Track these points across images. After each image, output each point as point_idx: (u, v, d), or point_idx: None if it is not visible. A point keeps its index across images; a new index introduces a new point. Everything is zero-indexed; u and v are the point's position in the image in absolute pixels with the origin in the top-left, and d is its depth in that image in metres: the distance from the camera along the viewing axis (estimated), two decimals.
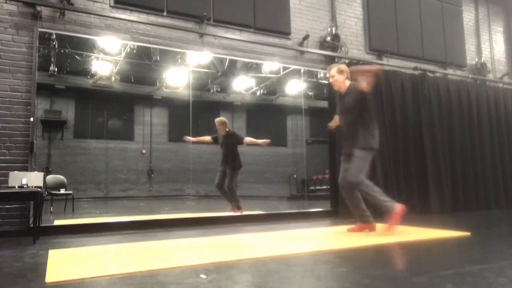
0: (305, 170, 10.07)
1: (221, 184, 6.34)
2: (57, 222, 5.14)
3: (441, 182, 6.97)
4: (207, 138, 6.69)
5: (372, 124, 4.17)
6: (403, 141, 6.88)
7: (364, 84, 3.91)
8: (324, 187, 9.65)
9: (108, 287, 2.21)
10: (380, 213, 4.21)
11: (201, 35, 5.83)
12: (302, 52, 6.62)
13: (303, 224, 5.33)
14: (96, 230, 4.68)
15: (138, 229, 4.93)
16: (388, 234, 3.92)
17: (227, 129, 6.48)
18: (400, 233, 3.96)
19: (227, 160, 6.38)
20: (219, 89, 11.05)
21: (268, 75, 9.16)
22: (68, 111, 10.96)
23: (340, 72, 4.25)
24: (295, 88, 9.37)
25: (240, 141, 6.46)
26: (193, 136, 6.90)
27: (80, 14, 5.08)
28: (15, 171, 4.27)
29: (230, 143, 6.41)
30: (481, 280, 2.19)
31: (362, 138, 4.12)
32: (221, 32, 5.99)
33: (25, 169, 4.46)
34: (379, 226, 4.23)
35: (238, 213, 6.05)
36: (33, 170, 4.53)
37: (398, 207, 3.97)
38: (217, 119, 6.54)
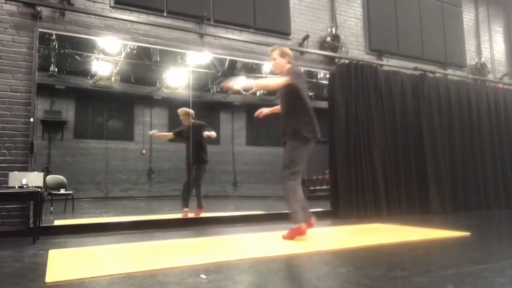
0: (305, 170, 10.07)
1: (190, 183, 6.00)
2: (57, 222, 5.14)
3: (441, 182, 6.97)
4: (169, 135, 6.38)
5: (304, 113, 3.86)
6: (403, 141, 6.88)
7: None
8: (324, 187, 9.65)
9: (108, 287, 2.21)
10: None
11: (201, 35, 5.83)
12: (302, 53, 6.62)
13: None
14: (96, 230, 4.68)
15: (138, 229, 4.93)
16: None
17: (192, 120, 6.09)
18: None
19: (193, 154, 5.97)
20: (219, 89, 11.04)
21: (268, 76, 9.15)
22: (68, 112, 10.96)
23: (283, 55, 4.02)
24: None
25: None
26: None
27: (80, 14, 5.08)
28: (15, 171, 4.27)
29: (196, 135, 6.00)
30: (482, 280, 2.19)
31: (293, 127, 3.85)
32: (221, 32, 5.99)
33: (25, 169, 4.46)
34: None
35: (199, 214, 5.68)
36: (33, 170, 4.53)
37: (303, 227, 3.69)
38: (180, 110, 6.16)
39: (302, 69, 6.78)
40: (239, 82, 3.81)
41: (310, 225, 3.90)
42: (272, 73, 8.74)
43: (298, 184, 3.80)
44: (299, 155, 3.81)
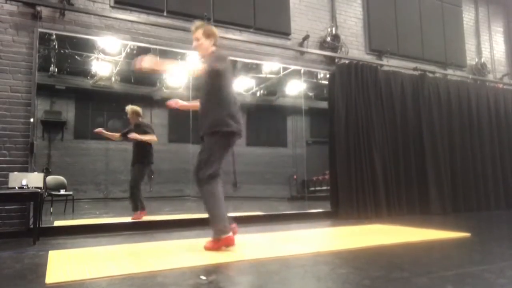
0: (305, 171, 10.06)
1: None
2: (57, 223, 5.13)
3: (441, 182, 6.97)
4: (116, 135, 5.94)
5: (225, 103, 3.34)
6: (403, 141, 6.88)
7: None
8: (324, 188, 9.64)
9: None
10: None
11: None
12: (302, 53, 6.62)
13: (303, 225, 5.32)
14: (96, 231, 4.67)
15: (138, 230, 4.93)
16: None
17: (140, 119, 5.86)
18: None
19: (133, 154, 5.77)
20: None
21: (268, 76, 9.15)
22: (68, 112, 10.94)
23: (208, 35, 3.44)
24: (295, 89, 9.35)
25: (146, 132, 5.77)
26: None
27: (80, 14, 5.08)
28: (15, 172, 4.27)
29: (141, 135, 5.70)
30: (482, 281, 2.18)
31: (211, 120, 3.31)
32: (221, 32, 5.97)
33: (25, 170, 4.46)
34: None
35: (140, 217, 5.43)
36: (33, 171, 4.53)
37: (230, 238, 3.18)
38: (128, 107, 5.86)
39: (302, 69, 6.81)
40: (147, 61, 3.16)
41: (234, 232, 3.33)
42: (272, 73, 8.73)
43: (217, 186, 3.26)
44: (218, 153, 3.29)
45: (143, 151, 5.72)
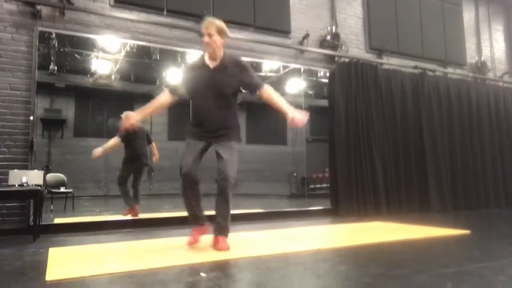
0: (305, 169, 10.06)
1: (126, 181, 5.94)
2: (57, 221, 5.13)
3: (441, 180, 6.98)
4: (114, 141, 5.91)
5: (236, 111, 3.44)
6: (403, 139, 6.89)
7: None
8: (324, 185, 9.65)
9: (109, 285, 2.21)
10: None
11: (201, 34, 5.81)
12: (302, 51, 6.61)
13: (303, 222, 5.33)
14: (96, 228, 4.68)
15: (138, 227, 4.93)
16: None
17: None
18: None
19: (138, 156, 5.92)
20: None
21: (268, 74, 9.15)
22: (68, 110, 10.93)
23: (221, 33, 3.24)
24: (295, 87, 9.35)
25: (149, 140, 6.16)
26: None
27: (80, 13, 5.07)
28: (15, 170, 4.27)
29: (142, 138, 5.99)
30: (481, 278, 2.19)
31: (235, 129, 3.35)
32: None
33: (25, 167, 4.47)
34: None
35: (134, 215, 5.53)
36: (33, 168, 4.53)
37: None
38: (127, 113, 5.91)
39: (302, 67, 6.80)
40: (130, 117, 3.29)
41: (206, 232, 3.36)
42: (272, 71, 8.71)
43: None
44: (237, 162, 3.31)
45: (149, 153, 6.03)
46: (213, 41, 3.20)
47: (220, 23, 3.26)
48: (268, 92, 3.37)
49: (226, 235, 3.20)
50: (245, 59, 6.37)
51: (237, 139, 3.39)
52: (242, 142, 3.51)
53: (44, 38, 5.48)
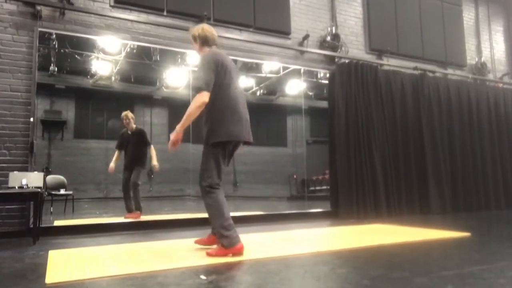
0: (305, 171, 10.06)
1: (127, 187, 5.87)
2: (57, 223, 5.13)
3: (441, 182, 6.97)
4: (116, 154, 6.02)
5: (214, 111, 3.10)
6: (403, 140, 6.88)
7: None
8: (324, 187, 9.64)
9: None
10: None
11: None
12: (302, 52, 6.61)
13: (303, 224, 5.33)
14: (96, 231, 4.68)
15: (138, 229, 4.93)
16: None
17: (134, 125, 6.00)
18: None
19: (134, 160, 5.86)
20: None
21: (268, 75, 9.15)
22: (68, 111, 10.94)
23: (194, 39, 3.39)
24: (295, 88, 9.36)
25: (148, 143, 6.01)
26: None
27: (80, 13, 5.08)
28: (15, 172, 4.26)
29: (139, 140, 5.92)
30: (482, 280, 2.18)
31: (206, 129, 3.15)
32: (221, 31, 5.98)
33: (25, 169, 4.46)
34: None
35: (136, 217, 5.56)
36: (33, 170, 4.53)
37: (239, 247, 2.98)
38: (127, 113, 5.91)
39: (302, 68, 6.79)
40: (175, 138, 3.17)
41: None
42: (272, 72, 8.71)
43: (217, 191, 3.09)
44: (214, 164, 3.10)
45: (146, 156, 5.96)
46: (195, 47, 3.44)
47: (191, 31, 3.43)
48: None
49: (222, 245, 3.00)
50: (245, 60, 6.43)
51: None
52: None
53: (44, 39, 5.48)
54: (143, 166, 5.96)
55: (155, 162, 5.99)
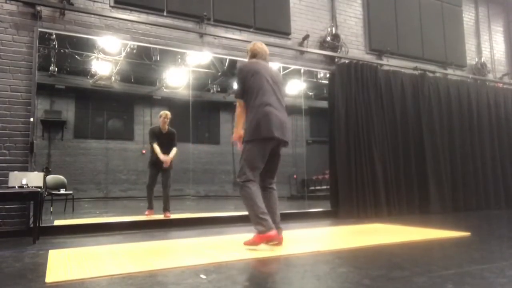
0: (305, 170, 10.07)
1: (151, 185, 6.01)
2: (57, 222, 5.14)
3: (441, 182, 6.98)
4: (155, 146, 5.88)
5: (250, 110, 3.43)
6: (403, 140, 6.88)
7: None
8: (324, 187, 9.65)
9: (108, 287, 2.21)
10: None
11: (201, 35, 5.83)
12: (302, 52, 6.61)
13: (303, 224, 5.33)
14: (96, 230, 4.68)
15: (138, 229, 4.93)
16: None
17: (167, 126, 6.07)
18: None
19: (155, 160, 5.87)
20: (219, 89, 11.04)
21: None
22: (68, 111, 10.96)
23: (247, 52, 3.95)
24: (295, 88, 9.36)
25: (176, 145, 6.01)
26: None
27: (80, 14, 5.08)
28: (15, 171, 4.26)
29: (171, 140, 5.99)
30: (481, 280, 2.19)
31: (245, 127, 3.48)
32: (221, 32, 5.99)
33: (25, 169, 4.46)
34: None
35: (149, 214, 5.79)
36: (33, 170, 4.53)
37: (272, 233, 3.19)
38: (167, 113, 6.00)
39: (302, 69, 6.79)
40: (234, 138, 3.63)
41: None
42: None
43: (253, 184, 3.37)
44: (252, 159, 3.37)
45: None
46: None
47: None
48: None
49: (257, 231, 3.26)
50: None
51: None
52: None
53: (44, 39, 5.49)
54: (171, 167, 5.99)
55: (170, 156, 5.90)
